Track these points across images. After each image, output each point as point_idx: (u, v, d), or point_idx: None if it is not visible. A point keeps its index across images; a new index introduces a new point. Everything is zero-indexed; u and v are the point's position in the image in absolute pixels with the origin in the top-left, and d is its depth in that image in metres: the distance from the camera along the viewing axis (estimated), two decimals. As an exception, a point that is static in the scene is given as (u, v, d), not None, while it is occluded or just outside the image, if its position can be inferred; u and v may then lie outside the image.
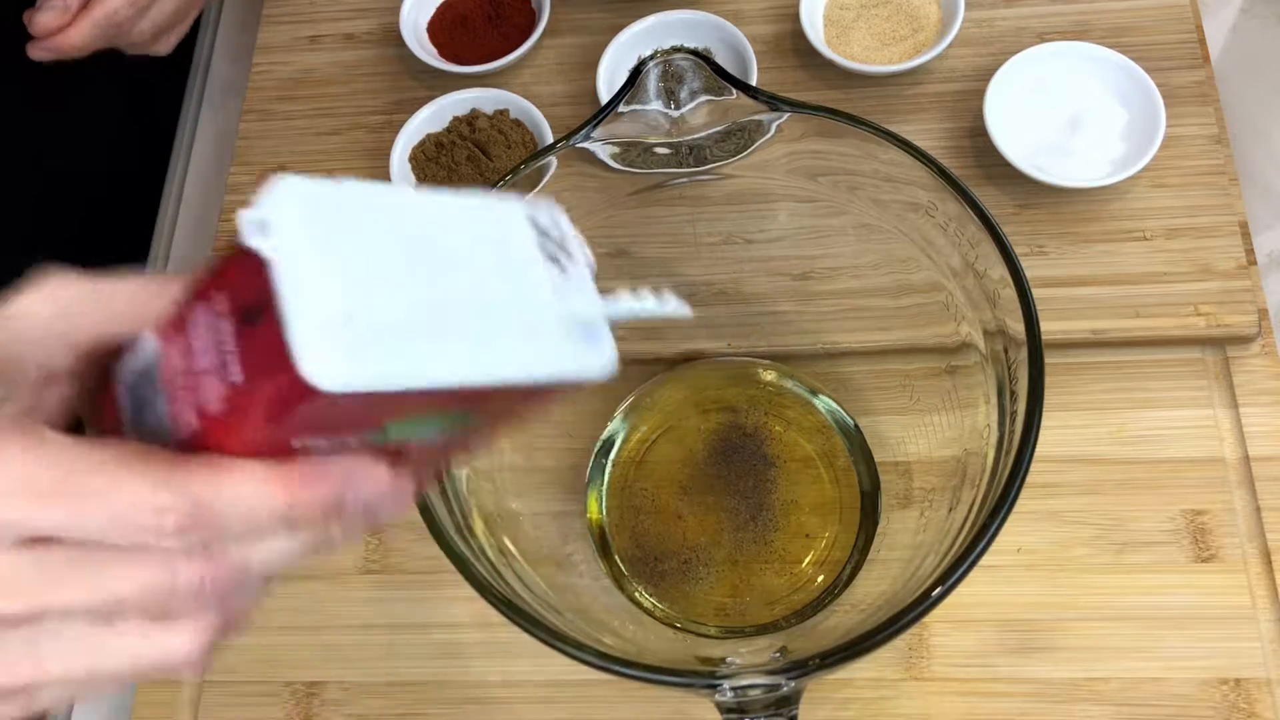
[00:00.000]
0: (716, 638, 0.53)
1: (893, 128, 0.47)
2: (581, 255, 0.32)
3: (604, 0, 0.72)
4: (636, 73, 0.47)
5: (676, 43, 0.69)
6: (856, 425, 0.58)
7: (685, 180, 0.53)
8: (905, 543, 0.52)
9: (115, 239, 0.81)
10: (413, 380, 0.24)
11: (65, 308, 0.28)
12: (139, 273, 0.29)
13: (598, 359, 0.30)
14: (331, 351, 0.23)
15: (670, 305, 0.33)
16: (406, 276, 0.25)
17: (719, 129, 0.49)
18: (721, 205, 0.55)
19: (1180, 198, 0.62)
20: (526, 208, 0.31)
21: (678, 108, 0.48)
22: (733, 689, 0.39)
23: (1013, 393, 0.44)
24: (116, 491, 0.26)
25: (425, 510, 0.42)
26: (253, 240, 0.24)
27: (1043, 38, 0.67)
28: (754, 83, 0.66)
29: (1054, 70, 0.63)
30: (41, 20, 0.57)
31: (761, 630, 0.53)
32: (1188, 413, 0.58)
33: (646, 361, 0.61)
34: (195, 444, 0.26)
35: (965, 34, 0.68)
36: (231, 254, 0.25)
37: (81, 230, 0.82)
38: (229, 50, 0.79)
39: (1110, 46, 0.63)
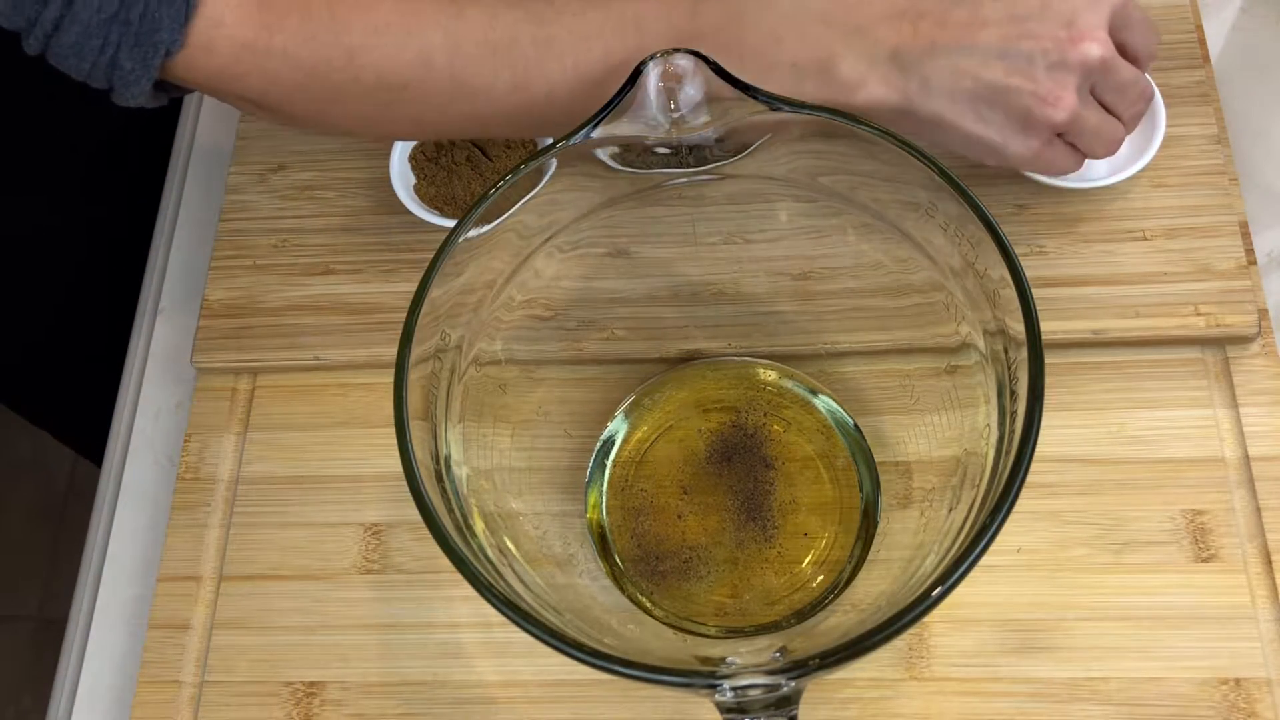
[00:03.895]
0: (716, 638, 0.53)
1: (893, 128, 0.47)
2: None
3: (604, 0, 0.72)
4: (636, 73, 0.47)
5: (676, 43, 0.69)
6: (856, 425, 0.58)
7: (685, 180, 0.53)
8: (905, 543, 0.52)
9: (115, 239, 0.81)
10: None
11: None
12: None
13: None
14: None
15: None
16: None
17: (719, 129, 0.49)
18: (721, 205, 0.55)
19: (1180, 198, 0.62)
20: None
21: (678, 108, 0.48)
22: (733, 689, 0.39)
23: (1013, 393, 0.44)
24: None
25: (425, 510, 0.42)
26: None
27: (1043, 38, 0.67)
28: (754, 83, 0.66)
29: (1054, 70, 0.63)
30: None
31: (761, 630, 0.53)
32: (1188, 413, 0.58)
33: (646, 361, 0.61)
34: None
35: (965, 34, 0.67)
36: None
37: (81, 230, 0.82)
38: (229, 50, 0.79)
39: (1110, 46, 0.63)
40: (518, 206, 0.49)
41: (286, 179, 0.69)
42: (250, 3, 0.49)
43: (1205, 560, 0.55)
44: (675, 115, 0.48)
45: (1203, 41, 0.66)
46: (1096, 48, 0.50)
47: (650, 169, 0.52)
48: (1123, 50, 0.53)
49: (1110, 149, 0.54)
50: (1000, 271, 0.44)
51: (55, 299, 0.85)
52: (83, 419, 0.87)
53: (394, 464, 0.44)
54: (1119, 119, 0.54)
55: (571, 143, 0.48)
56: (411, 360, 0.45)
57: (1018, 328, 0.43)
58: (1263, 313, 0.59)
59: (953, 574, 0.39)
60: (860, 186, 0.51)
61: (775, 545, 0.56)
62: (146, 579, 0.62)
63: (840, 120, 0.47)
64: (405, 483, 0.43)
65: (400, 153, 0.66)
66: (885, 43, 0.50)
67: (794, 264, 0.57)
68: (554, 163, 0.49)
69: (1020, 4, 0.50)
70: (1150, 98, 0.55)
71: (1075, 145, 0.54)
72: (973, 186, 0.45)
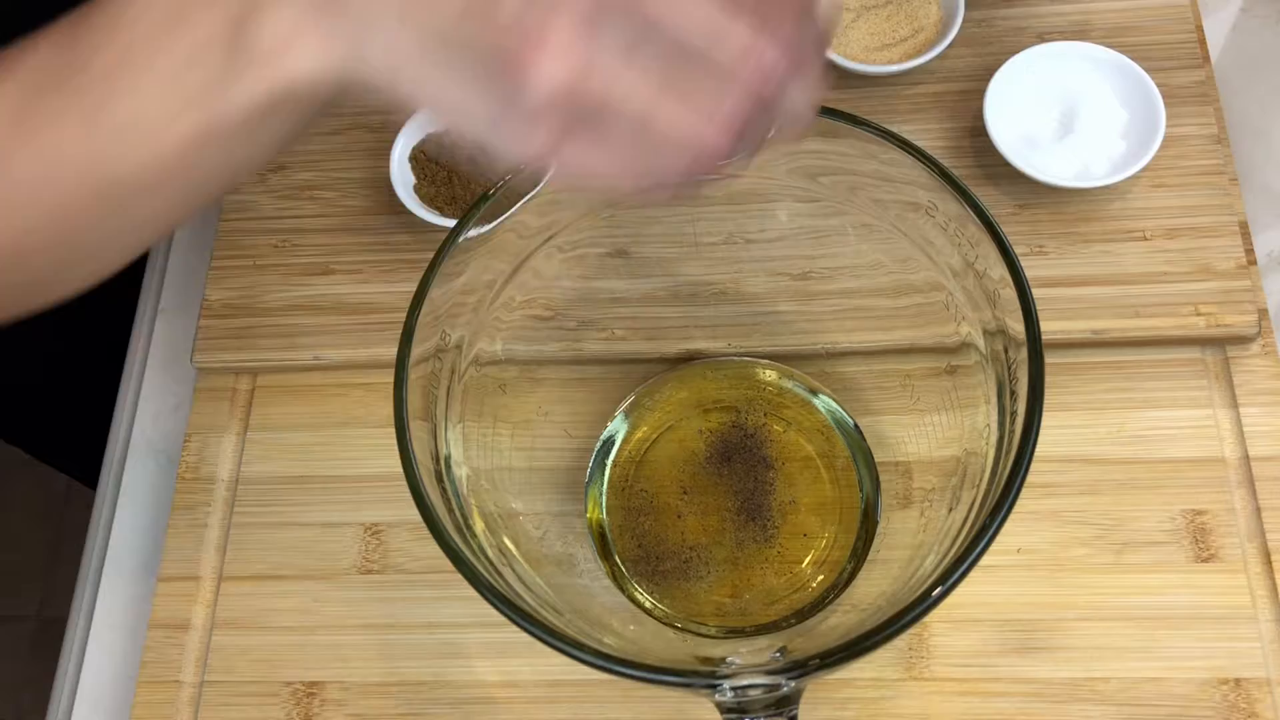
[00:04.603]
0: (716, 638, 0.53)
1: (893, 128, 0.47)
2: None
3: (604, 0, 0.72)
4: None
5: (676, 43, 0.69)
6: (856, 425, 0.58)
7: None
8: (905, 543, 0.52)
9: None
10: None
11: None
12: None
13: None
14: None
15: None
16: None
17: (719, 129, 0.49)
18: (721, 205, 0.55)
19: (1180, 198, 0.62)
20: None
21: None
22: (733, 689, 0.39)
23: (1013, 393, 0.44)
24: None
25: (425, 510, 0.42)
26: None
27: (1043, 38, 0.67)
28: (754, 83, 0.66)
29: (1054, 70, 0.63)
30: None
31: (761, 630, 0.53)
32: (1188, 413, 0.58)
33: (646, 361, 0.61)
34: None
35: (965, 34, 0.67)
36: None
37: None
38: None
39: (1110, 46, 0.63)
40: (518, 206, 0.49)
41: (286, 179, 0.69)
42: None
43: (1205, 560, 0.55)
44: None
45: (1203, 41, 0.66)
46: None
47: (650, 169, 0.52)
48: None
49: (669, 131, 0.31)
50: (1000, 271, 0.44)
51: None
52: (77, 440, 0.86)
53: (394, 464, 0.44)
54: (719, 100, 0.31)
55: (571, 143, 0.48)
56: (411, 360, 0.45)
57: (1018, 328, 0.43)
58: (1263, 313, 0.59)
59: (953, 574, 0.39)
60: (860, 186, 0.51)
61: (775, 545, 0.56)
62: (146, 579, 0.62)
63: (840, 120, 0.47)
64: (405, 483, 0.43)
65: (400, 153, 0.66)
66: None
67: (794, 264, 0.57)
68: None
69: None
70: (801, 66, 0.32)
71: (624, 138, 0.32)
72: (973, 186, 0.45)
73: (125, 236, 0.39)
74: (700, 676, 0.40)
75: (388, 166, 0.66)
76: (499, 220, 0.49)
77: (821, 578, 0.55)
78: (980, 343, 0.48)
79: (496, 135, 0.32)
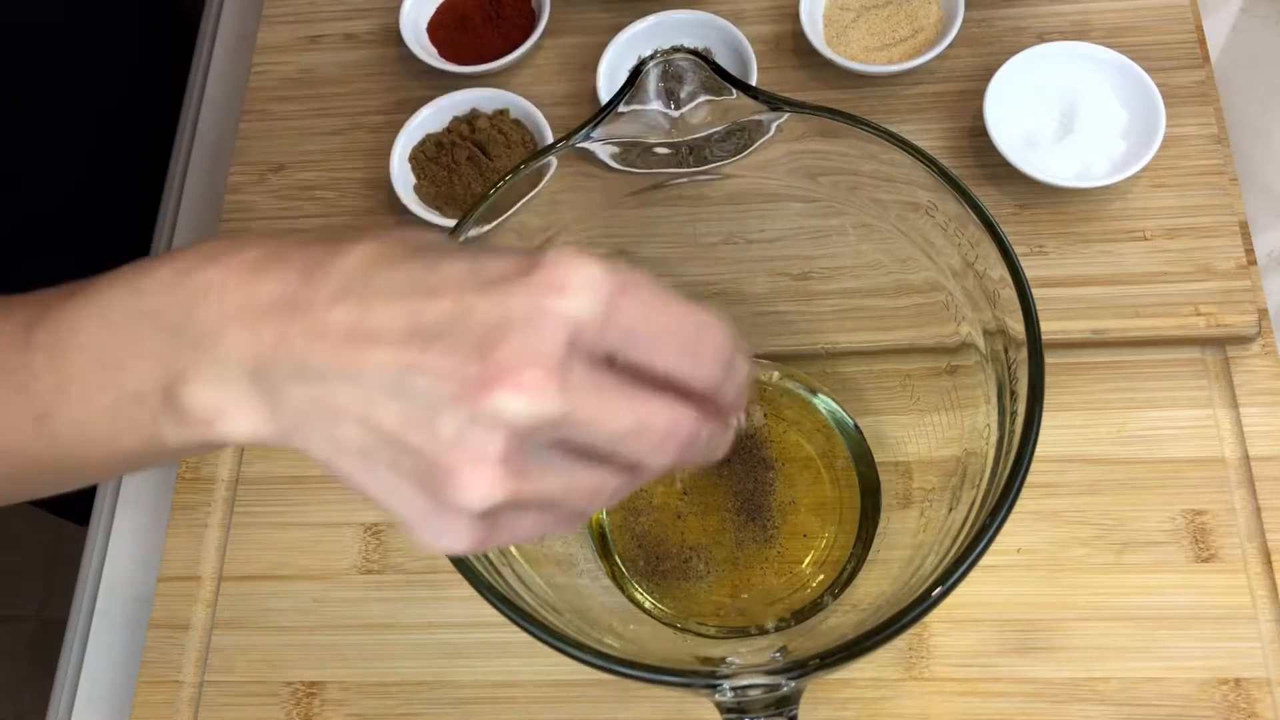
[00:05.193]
0: (716, 638, 0.53)
1: (893, 128, 0.47)
2: None
3: (604, 0, 0.72)
4: (636, 73, 0.47)
5: (676, 43, 0.69)
6: (856, 425, 0.58)
7: (685, 180, 0.53)
8: (905, 543, 0.52)
9: (115, 240, 0.81)
10: None
11: None
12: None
13: None
14: None
15: None
16: None
17: (719, 129, 0.49)
18: (721, 205, 0.55)
19: (1180, 198, 0.62)
20: None
21: (678, 108, 0.48)
22: (733, 689, 0.39)
23: (1013, 393, 0.44)
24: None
25: (425, 510, 0.42)
26: None
27: (1042, 38, 0.67)
28: (754, 83, 0.66)
29: (1054, 70, 0.63)
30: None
31: (762, 630, 0.53)
32: (1188, 413, 0.58)
33: (646, 361, 0.61)
34: None
35: (965, 34, 0.68)
36: None
37: (83, 231, 0.82)
38: (229, 50, 0.79)
39: (1110, 46, 0.63)
40: (518, 206, 0.49)
41: (286, 179, 0.69)
42: None
43: (1205, 560, 0.55)
44: (675, 115, 0.48)
45: (1203, 41, 0.66)
46: (524, 399, 0.30)
47: (650, 169, 0.52)
48: (638, 373, 0.32)
49: (600, 501, 0.34)
50: (1000, 271, 0.44)
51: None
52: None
53: (394, 464, 0.43)
54: (631, 467, 0.33)
55: (571, 143, 0.48)
56: (411, 360, 0.45)
57: (1018, 328, 0.43)
58: (1263, 313, 0.59)
59: (953, 574, 0.39)
60: (860, 186, 0.51)
61: (775, 545, 0.56)
62: (146, 579, 0.62)
63: (840, 120, 0.47)
64: (405, 483, 0.43)
65: (400, 153, 0.66)
66: (239, 353, 0.33)
67: (794, 264, 0.57)
68: (554, 162, 0.49)
69: (431, 305, 0.31)
70: (721, 444, 0.35)
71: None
72: (973, 186, 0.45)
73: (61, 489, 0.42)
74: (700, 676, 0.40)
75: (388, 166, 0.66)
76: (499, 220, 0.49)
77: (821, 578, 0.55)
78: (980, 343, 0.48)
79: (425, 529, 0.33)
